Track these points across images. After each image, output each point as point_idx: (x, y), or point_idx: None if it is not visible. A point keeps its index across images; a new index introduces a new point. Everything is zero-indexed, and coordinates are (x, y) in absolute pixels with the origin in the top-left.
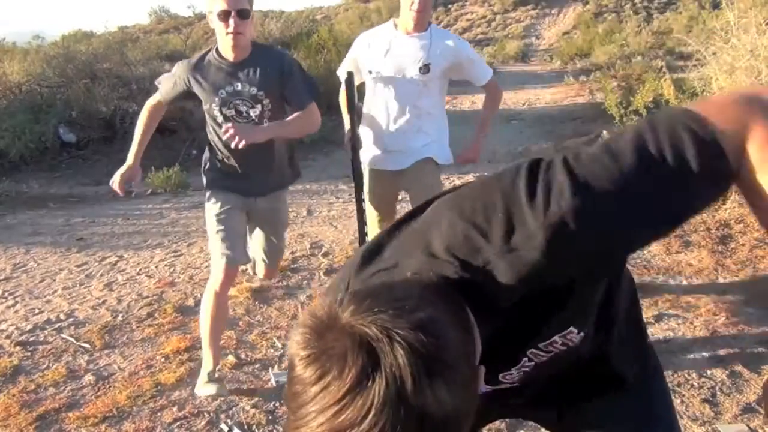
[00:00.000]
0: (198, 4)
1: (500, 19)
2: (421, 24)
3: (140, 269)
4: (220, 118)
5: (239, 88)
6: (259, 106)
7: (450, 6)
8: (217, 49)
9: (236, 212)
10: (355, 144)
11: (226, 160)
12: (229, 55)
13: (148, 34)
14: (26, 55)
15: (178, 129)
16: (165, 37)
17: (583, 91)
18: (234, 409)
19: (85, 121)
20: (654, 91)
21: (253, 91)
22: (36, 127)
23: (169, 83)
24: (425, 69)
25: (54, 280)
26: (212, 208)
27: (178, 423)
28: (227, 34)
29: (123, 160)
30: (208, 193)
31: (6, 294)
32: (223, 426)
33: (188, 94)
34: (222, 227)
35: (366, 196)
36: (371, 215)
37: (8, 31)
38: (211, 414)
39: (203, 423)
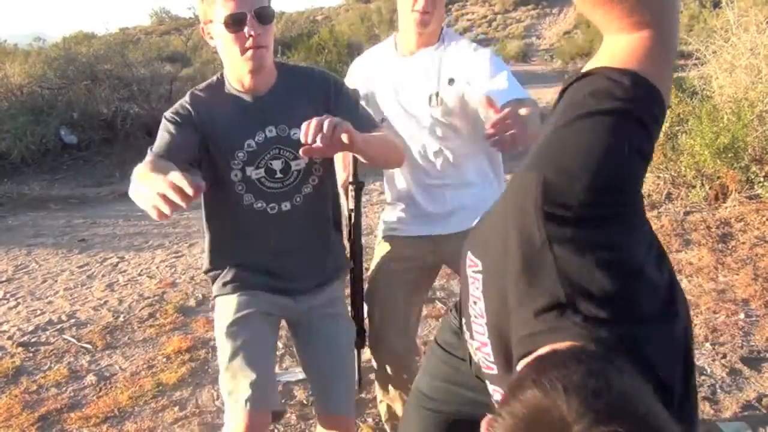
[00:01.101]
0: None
1: (501, 19)
2: (430, 35)
3: (141, 270)
4: (239, 186)
5: (273, 133)
6: (305, 157)
7: (450, 6)
8: (222, 78)
9: (264, 320)
10: (357, 182)
11: (252, 248)
12: (247, 83)
13: (149, 35)
14: (27, 57)
15: None
16: (166, 39)
17: None
18: None
19: (86, 123)
20: None
21: (295, 135)
22: (37, 129)
23: (163, 139)
24: (438, 100)
25: (55, 281)
26: (224, 317)
27: (179, 423)
28: (244, 50)
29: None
30: (218, 302)
31: (8, 295)
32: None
33: (199, 149)
34: (241, 345)
35: (371, 286)
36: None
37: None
38: (213, 414)
39: (204, 423)
